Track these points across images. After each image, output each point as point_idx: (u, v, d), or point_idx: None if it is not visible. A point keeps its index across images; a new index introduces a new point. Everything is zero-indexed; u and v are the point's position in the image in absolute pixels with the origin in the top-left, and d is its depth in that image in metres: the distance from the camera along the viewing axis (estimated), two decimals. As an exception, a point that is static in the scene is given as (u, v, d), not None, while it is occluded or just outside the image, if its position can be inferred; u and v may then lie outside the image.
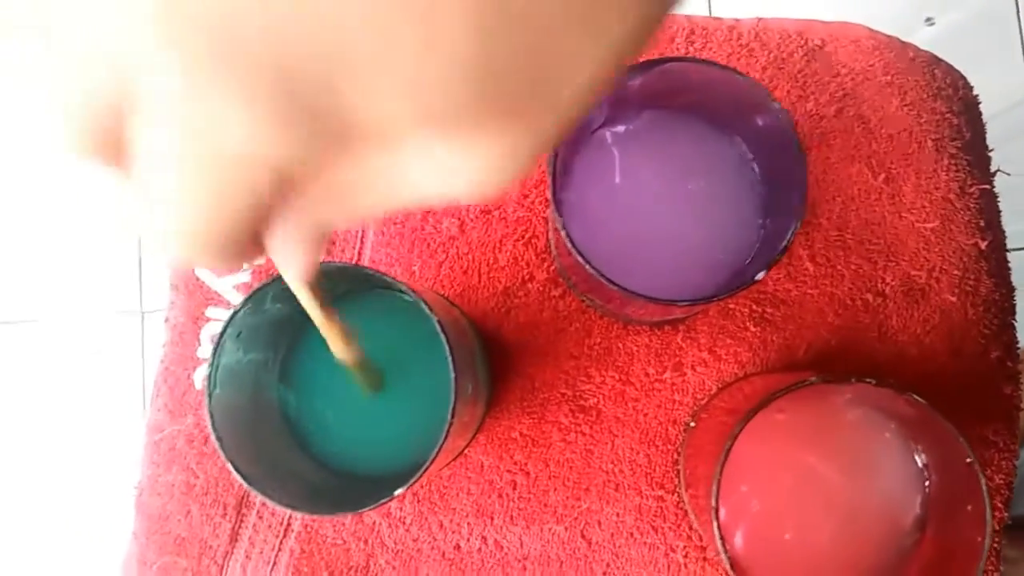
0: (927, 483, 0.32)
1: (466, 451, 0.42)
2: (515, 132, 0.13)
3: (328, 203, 0.14)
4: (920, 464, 0.32)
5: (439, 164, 0.14)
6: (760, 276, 0.29)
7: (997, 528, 0.41)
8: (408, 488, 0.29)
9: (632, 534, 0.41)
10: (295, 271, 0.17)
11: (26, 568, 1.10)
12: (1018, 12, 1.19)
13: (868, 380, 0.28)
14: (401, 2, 0.11)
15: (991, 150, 0.45)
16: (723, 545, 0.27)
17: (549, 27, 0.12)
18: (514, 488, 0.42)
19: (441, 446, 0.28)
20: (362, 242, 0.44)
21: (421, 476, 0.29)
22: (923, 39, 1.19)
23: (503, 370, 0.43)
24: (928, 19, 1.18)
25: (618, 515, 0.41)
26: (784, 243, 0.29)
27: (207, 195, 0.13)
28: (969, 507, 0.28)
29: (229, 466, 0.28)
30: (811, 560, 0.31)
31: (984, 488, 0.27)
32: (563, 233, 0.29)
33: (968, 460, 0.27)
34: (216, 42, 0.11)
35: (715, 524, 0.27)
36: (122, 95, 0.13)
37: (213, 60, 0.11)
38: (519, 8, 0.11)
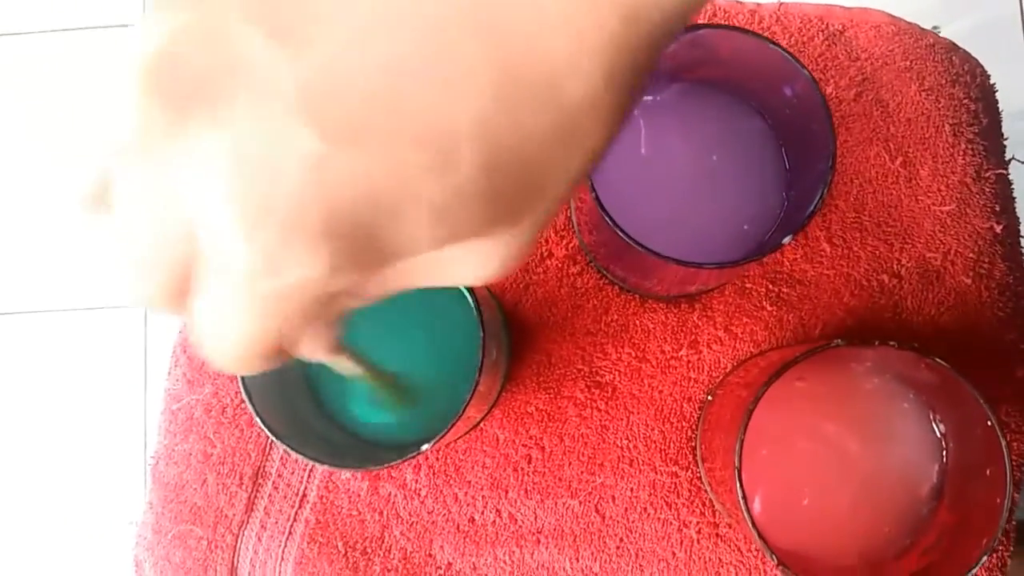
0: (944, 452, 0.32)
1: (482, 424, 0.42)
2: (515, 229, 0.17)
3: (353, 298, 0.17)
4: (938, 434, 0.32)
5: (453, 260, 0.17)
6: (787, 240, 0.29)
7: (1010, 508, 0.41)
8: (433, 445, 0.29)
9: (646, 509, 0.41)
10: (324, 352, 0.19)
11: (26, 565, 1.09)
12: (1023, 19, 1.19)
13: (890, 343, 0.28)
14: (426, 163, 0.14)
15: (1006, 138, 0.46)
16: (745, 505, 0.28)
17: (539, 153, 0.15)
18: (529, 462, 0.42)
19: (466, 405, 0.28)
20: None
21: (448, 433, 0.29)
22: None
23: (520, 345, 0.43)
24: (934, 27, 1.19)
25: (632, 490, 0.42)
26: (811, 208, 0.29)
27: (263, 324, 0.16)
28: (988, 471, 0.28)
29: (257, 420, 0.29)
30: (828, 526, 0.32)
31: (1005, 449, 0.27)
32: (593, 195, 0.30)
33: (989, 423, 0.28)
34: (283, 215, 0.14)
35: (738, 484, 0.28)
36: (192, 255, 0.16)
37: (281, 229, 0.14)
38: (517, 145, 0.15)
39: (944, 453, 0.32)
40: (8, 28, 1.22)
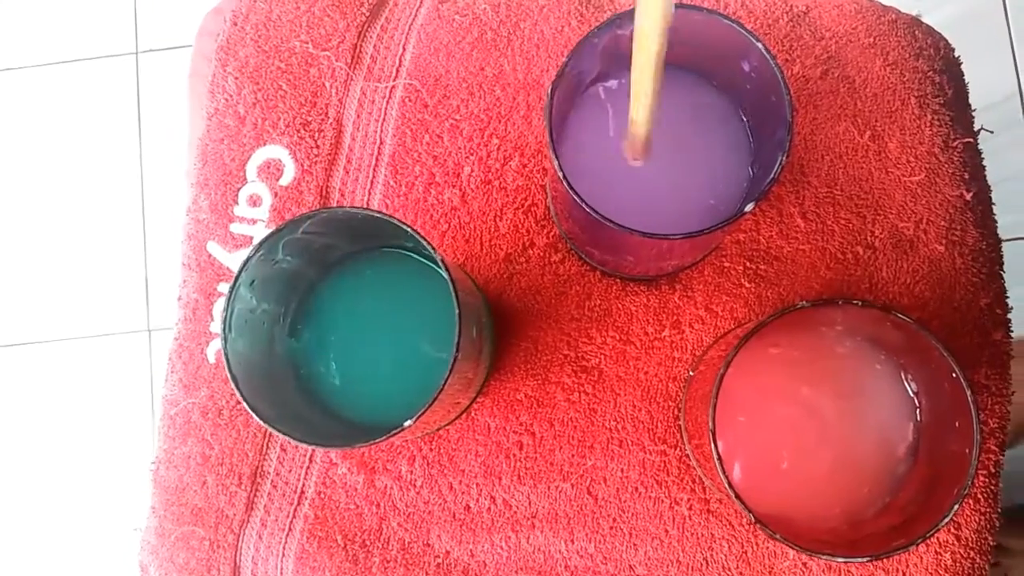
0: (919, 410, 0.33)
1: (473, 413, 0.43)
2: None
3: None
4: (911, 392, 0.33)
5: None
6: (749, 208, 0.30)
7: (994, 471, 0.42)
8: (416, 422, 0.30)
9: (637, 489, 0.42)
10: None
11: (40, 582, 1.10)
12: (1005, 8, 1.20)
13: (854, 302, 0.29)
14: None
15: (974, 109, 0.47)
16: (722, 467, 0.29)
17: None
18: (521, 448, 0.43)
19: (448, 377, 0.29)
20: (366, 216, 0.45)
21: (428, 408, 0.30)
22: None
23: (507, 334, 0.44)
24: (916, 15, 1.20)
25: (623, 471, 0.42)
26: (772, 175, 0.30)
27: None
28: (957, 423, 0.29)
29: (245, 405, 0.30)
30: (808, 489, 0.32)
31: (971, 400, 0.28)
32: (560, 174, 0.31)
33: (954, 375, 0.28)
34: None
35: (713, 447, 0.28)
36: None
37: None
38: None
39: (918, 411, 0.33)
40: (3, 64, 1.24)
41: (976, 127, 0.46)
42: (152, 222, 1.19)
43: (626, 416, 0.43)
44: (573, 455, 0.43)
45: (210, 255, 0.45)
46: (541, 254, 0.44)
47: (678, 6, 0.30)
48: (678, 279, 0.43)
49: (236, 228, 0.45)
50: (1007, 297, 0.44)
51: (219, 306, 0.45)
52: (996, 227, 0.44)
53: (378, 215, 0.31)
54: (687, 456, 0.42)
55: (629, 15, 0.31)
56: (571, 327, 0.44)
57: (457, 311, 0.30)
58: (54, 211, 1.18)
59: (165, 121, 1.23)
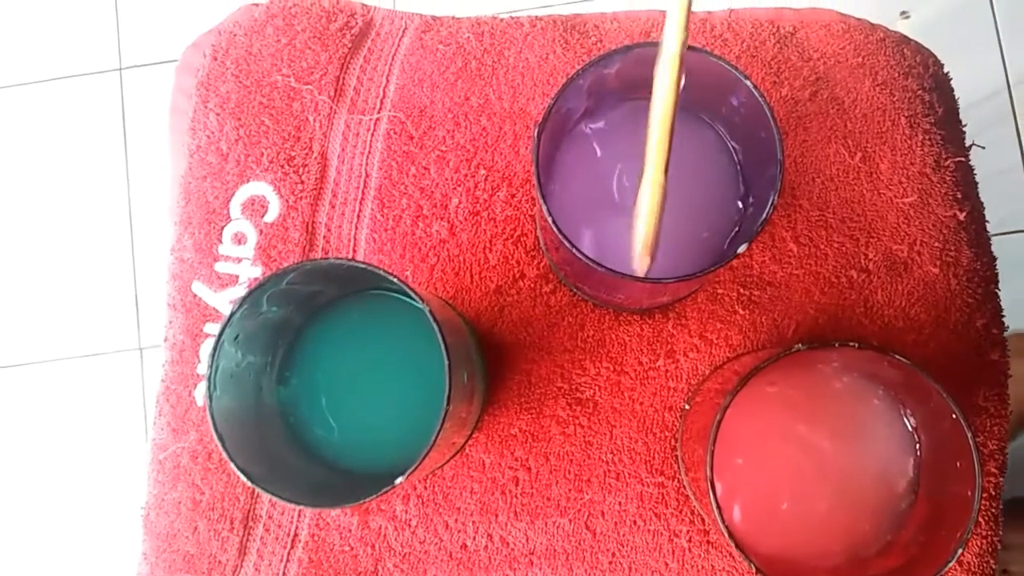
0: (918, 445, 0.32)
1: (467, 450, 0.42)
2: None
3: None
4: (910, 427, 0.33)
5: None
6: (742, 249, 0.29)
7: (994, 493, 0.41)
8: (408, 478, 0.29)
9: (635, 522, 0.42)
10: None
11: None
12: (992, 4, 1.20)
13: (851, 344, 0.28)
14: None
15: (965, 125, 0.46)
16: (721, 518, 0.28)
17: None
18: (516, 484, 0.42)
19: (438, 433, 0.29)
20: (354, 250, 0.44)
21: (420, 465, 0.29)
22: (899, 32, 1.19)
23: (499, 367, 0.43)
24: (903, 13, 1.20)
25: (620, 504, 0.42)
26: (764, 215, 0.29)
27: None
28: (959, 463, 0.28)
29: (231, 464, 0.29)
30: (809, 528, 0.32)
31: (972, 443, 0.27)
32: (549, 220, 0.30)
33: (953, 416, 0.28)
34: None
35: (712, 497, 0.28)
36: None
37: None
38: None
39: (918, 446, 0.32)
40: (-15, 86, 1.23)
41: (968, 142, 0.46)
42: (140, 240, 1.18)
43: (622, 448, 0.42)
44: (570, 489, 0.42)
45: (195, 295, 0.44)
46: (532, 285, 0.43)
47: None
48: (671, 307, 0.43)
49: (221, 267, 0.44)
50: (1003, 316, 0.43)
51: (206, 348, 0.44)
52: (990, 245, 0.44)
53: (363, 266, 0.30)
54: (685, 487, 0.41)
55: (615, 54, 0.31)
56: (564, 359, 0.43)
57: (447, 363, 0.29)
58: (41, 230, 1.17)
59: (151, 137, 1.22)
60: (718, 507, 0.29)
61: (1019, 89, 1.16)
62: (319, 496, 0.31)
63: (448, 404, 0.29)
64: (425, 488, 0.42)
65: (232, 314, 0.30)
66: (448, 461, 0.42)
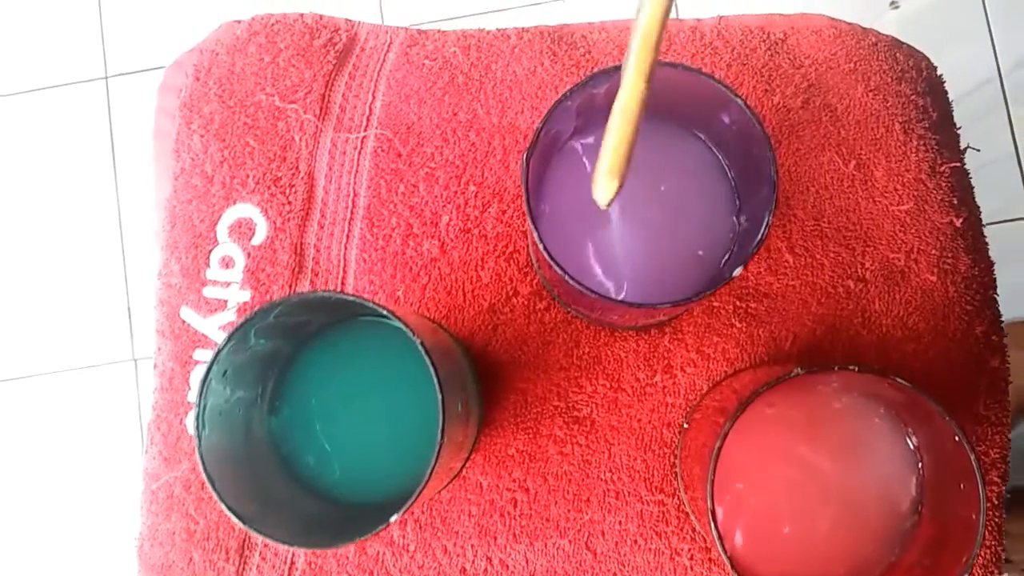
0: (920, 464, 0.32)
1: (464, 472, 0.42)
2: None
3: None
4: (912, 446, 0.32)
5: None
6: (737, 272, 0.29)
7: (997, 502, 0.41)
8: (404, 513, 0.29)
9: (636, 541, 0.41)
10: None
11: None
12: (981, -9, 1.20)
13: (850, 367, 0.28)
14: None
15: (959, 128, 0.46)
16: (722, 545, 0.27)
17: None
18: (515, 506, 0.42)
19: (432, 469, 0.28)
20: (344, 271, 0.44)
21: (415, 501, 0.29)
22: (889, 22, 1.19)
23: (494, 387, 0.43)
24: (893, 3, 1.19)
25: (620, 523, 0.41)
26: (759, 237, 0.29)
27: None
28: (962, 485, 0.28)
29: (223, 506, 0.28)
30: (812, 551, 0.31)
31: (976, 466, 0.27)
32: (541, 247, 0.29)
33: (956, 438, 0.27)
34: None
35: (712, 525, 0.27)
36: None
37: None
38: None
39: (920, 465, 0.32)
40: (-31, 100, 1.21)
41: (963, 144, 0.45)
42: (131, 249, 1.17)
43: (621, 466, 0.42)
44: (569, 510, 0.42)
45: (184, 321, 0.44)
46: (526, 303, 0.43)
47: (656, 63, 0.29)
48: (667, 322, 0.42)
49: (209, 292, 0.44)
50: (1001, 322, 0.43)
51: (196, 374, 0.43)
52: (988, 250, 0.44)
53: (352, 298, 0.29)
54: (685, 505, 0.41)
55: (603, 75, 0.30)
56: (560, 377, 0.42)
57: (440, 398, 0.28)
58: (29, 242, 1.16)
59: (139, 145, 1.21)
60: (719, 535, 0.28)
61: (1011, 78, 1.15)
62: (313, 534, 0.30)
63: (442, 438, 0.28)
64: (422, 512, 0.42)
65: (219, 351, 0.29)
66: (446, 486, 0.41)
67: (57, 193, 1.18)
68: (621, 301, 0.29)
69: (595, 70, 0.31)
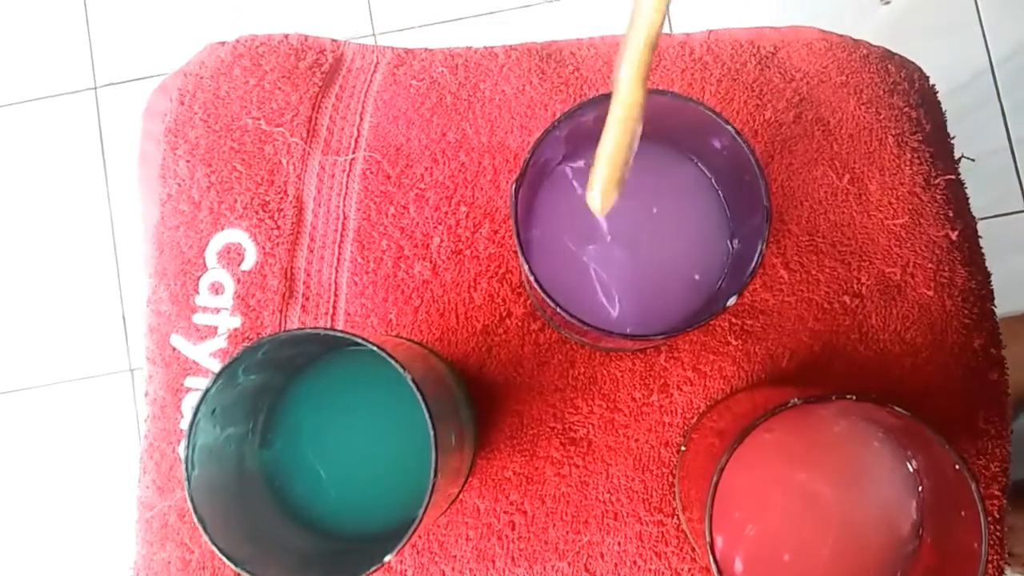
0: (921, 487, 0.32)
1: (461, 496, 0.42)
2: None
3: None
4: (912, 469, 0.32)
5: None
6: (731, 302, 0.28)
7: (998, 516, 0.41)
8: (402, 547, 0.28)
9: (635, 562, 0.41)
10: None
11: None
12: (972, -16, 1.19)
13: (848, 396, 0.27)
14: None
15: (953, 137, 0.45)
16: (720, 574, 0.27)
17: None
18: (513, 528, 0.41)
19: (426, 507, 0.28)
20: (336, 295, 0.43)
21: (411, 537, 0.28)
22: (880, 20, 1.19)
23: (490, 410, 0.42)
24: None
25: (619, 544, 0.41)
26: (752, 266, 0.28)
27: None
28: (963, 513, 0.27)
29: (215, 549, 0.28)
30: (814, 578, 0.31)
31: (976, 495, 0.26)
32: (531, 278, 0.29)
33: (956, 467, 0.27)
34: None
35: (711, 557, 0.27)
36: None
37: None
38: None
39: (920, 488, 0.32)
40: (-44, 115, 1.21)
41: (957, 154, 0.45)
42: (125, 259, 1.17)
43: (619, 487, 0.41)
44: (567, 532, 0.41)
45: (174, 348, 0.43)
46: (519, 323, 0.42)
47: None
48: (663, 341, 0.42)
49: (199, 319, 0.43)
50: (1000, 334, 0.42)
51: (188, 402, 0.43)
52: (984, 262, 0.43)
53: (341, 334, 0.29)
54: (684, 525, 0.41)
55: (591, 104, 0.30)
56: (556, 398, 0.42)
57: (432, 435, 0.28)
58: (22, 254, 1.16)
59: (129, 154, 1.20)
60: (717, 565, 0.28)
61: (1003, 70, 1.15)
62: (307, 571, 0.30)
63: (435, 477, 0.28)
64: (419, 537, 0.41)
65: (207, 391, 0.29)
66: (444, 512, 0.41)
67: (49, 204, 1.18)
68: (613, 332, 0.29)
69: (583, 100, 0.31)
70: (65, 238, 1.17)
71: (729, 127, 0.29)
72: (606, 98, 0.30)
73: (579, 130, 0.32)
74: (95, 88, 1.24)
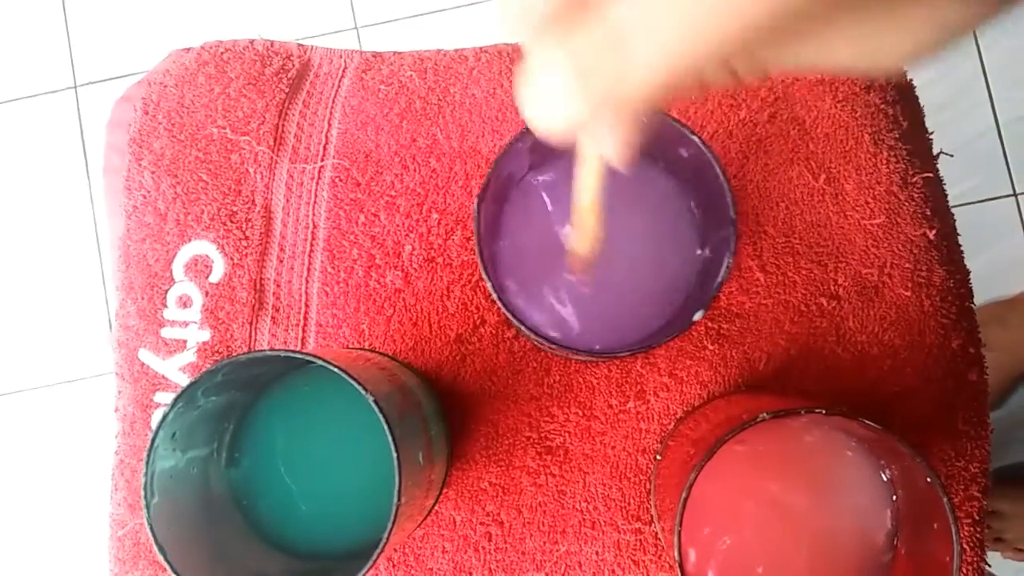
0: (895, 496, 0.31)
1: (437, 508, 0.41)
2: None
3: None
4: (886, 478, 0.31)
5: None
6: (697, 317, 0.28)
7: (978, 517, 0.40)
8: (368, 569, 0.28)
9: (614, 571, 0.40)
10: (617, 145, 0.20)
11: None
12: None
13: (818, 410, 0.27)
14: None
15: (931, 133, 0.45)
16: (693, 596, 0.27)
17: None
18: (489, 540, 0.41)
19: (389, 532, 0.27)
20: (306, 306, 0.43)
21: (377, 559, 0.28)
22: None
23: (465, 420, 0.42)
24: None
25: (598, 553, 0.41)
26: (718, 280, 0.28)
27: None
28: (935, 525, 0.27)
29: (175, 578, 0.27)
30: (788, 591, 0.31)
31: (948, 508, 0.26)
32: (495, 296, 0.28)
33: (928, 480, 0.26)
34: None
35: (680, 573, 0.27)
36: None
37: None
38: None
39: (895, 497, 0.31)
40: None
41: (936, 150, 0.44)
42: (108, 260, 1.16)
43: (596, 495, 0.41)
44: (545, 542, 0.41)
45: (143, 363, 0.42)
46: (493, 331, 0.42)
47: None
48: (638, 347, 0.41)
49: (167, 333, 0.42)
50: (979, 333, 0.42)
51: (157, 417, 0.42)
52: (963, 259, 0.43)
53: (299, 355, 0.28)
54: (660, 535, 0.40)
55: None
56: (531, 407, 0.42)
57: (395, 456, 0.27)
58: (3, 257, 1.15)
59: (112, 154, 1.19)
60: (690, 585, 0.27)
61: (989, 53, 1.15)
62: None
63: (399, 500, 0.27)
64: (395, 550, 0.41)
65: (164, 417, 0.28)
66: (420, 524, 0.41)
67: (31, 204, 1.17)
68: (579, 350, 0.28)
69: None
70: (47, 238, 1.16)
71: (695, 137, 0.28)
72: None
73: (544, 141, 0.31)
74: (75, 87, 1.23)
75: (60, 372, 1.14)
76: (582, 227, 0.27)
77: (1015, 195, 1.10)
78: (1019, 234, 1.10)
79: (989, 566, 0.42)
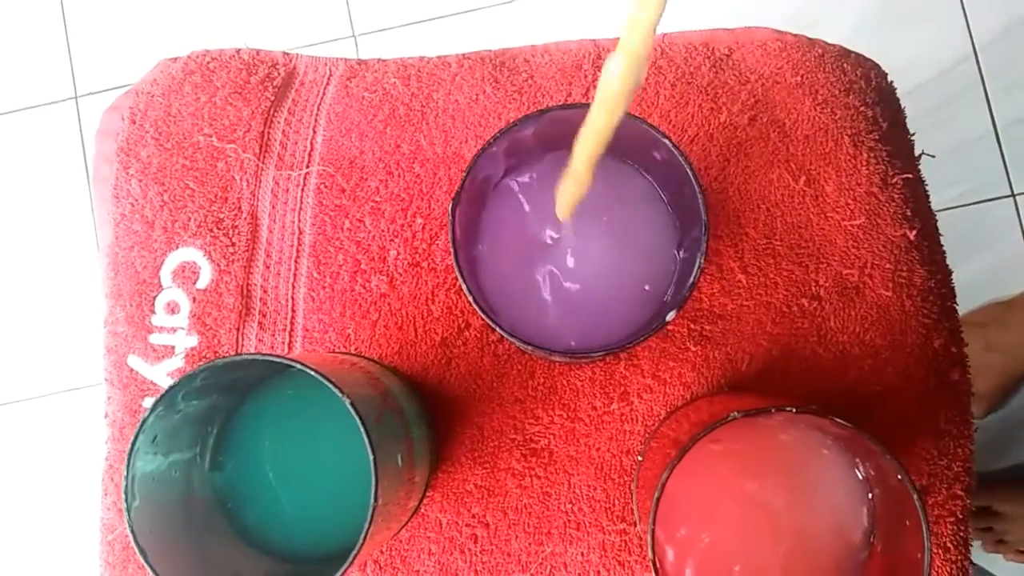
0: (871, 494, 0.31)
1: (422, 509, 0.41)
2: None
3: None
4: (862, 476, 0.32)
5: None
6: (670, 317, 0.28)
7: (961, 516, 0.40)
8: (345, 570, 0.28)
9: (599, 572, 0.41)
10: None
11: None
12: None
13: (788, 408, 0.27)
14: None
15: (913, 134, 0.45)
16: (667, 594, 0.27)
17: None
18: (475, 542, 0.41)
19: (366, 534, 0.27)
20: (293, 311, 0.43)
21: (353, 561, 0.28)
22: (863, 6, 1.17)
23: (450, 423, 0.42)
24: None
25: (583, 555, 0.41)
26: (691, 281, 0.28)
27: None
28: (907, 522, 0.27)
29: (157, 582, 0.28)
30: (765, 590, 0.31)
31: (918, 504, 0.26)
32: (471, 298, 0.29)
33: (899, 477, 0.27)
34: None
35: (655, 573, 0.27)
36: None
37: None
38: None
39: (871, 495, 0.31)
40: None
41: (917, 151, 0.44)
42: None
43: (581, 497, 0.41)
44: (530, 543, 0.41)
45: (132, 369, 0.43)
46: (478, 335, 0.42)
47: (579, 106, 0.29)
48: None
49: (156, 339, 0.43)
50: (961, 331, 0.42)
51: (147, 423, 0.43)
52: (945, 259, 0.43)
53: (278, 359, 0.29)
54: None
55: (528, 120, 0.29)
56: (516, 409, 0.42)
57: (372, 459, 0.28)
58: (5, 266, 1.16)
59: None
60: (665, 584, 0.27)
61: (986, 54, 1.15)
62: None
63: (375, 502, 0.28)
64: (381, 553, 0.41)
65: (144, 420, 0.29)
66: (405, 525, 0.41)
67: (33, 214, 1.18)
68: (554, 350, 0.28)
69: (519, 117, 0.30)
70: (49, 248, 1.17)
71: (666, 140, 0.28)
72: (542, 114, 0.30)
73: (519, 145, 0.31)
74: (76, 98, 1.24)
75: (63, 381, 1.14)
76: (577, 177, 0.27)
77: (1013, 196, 1.10)
78: (1018, 235, 1.10)
79: (975, 565, 0.42)
